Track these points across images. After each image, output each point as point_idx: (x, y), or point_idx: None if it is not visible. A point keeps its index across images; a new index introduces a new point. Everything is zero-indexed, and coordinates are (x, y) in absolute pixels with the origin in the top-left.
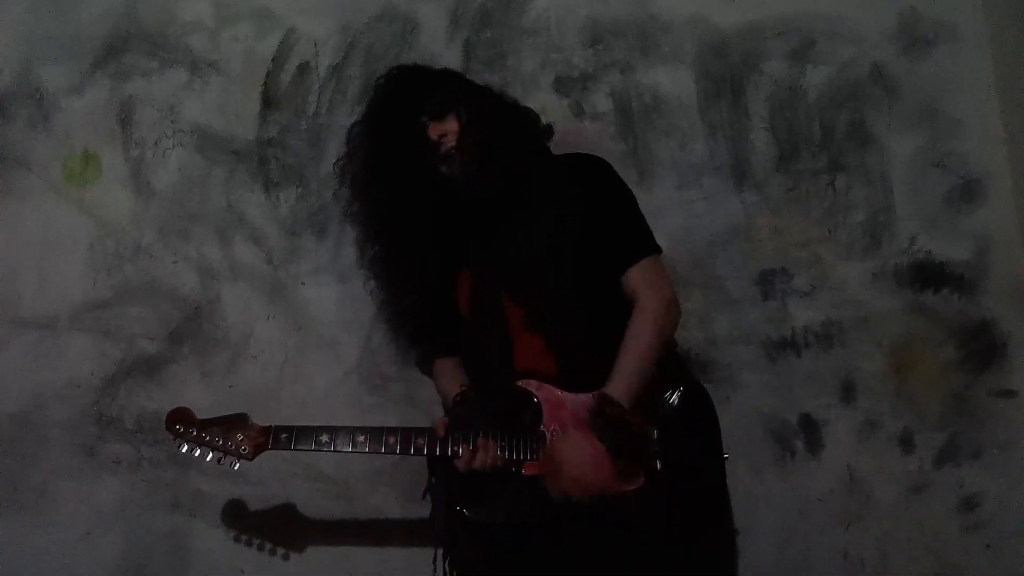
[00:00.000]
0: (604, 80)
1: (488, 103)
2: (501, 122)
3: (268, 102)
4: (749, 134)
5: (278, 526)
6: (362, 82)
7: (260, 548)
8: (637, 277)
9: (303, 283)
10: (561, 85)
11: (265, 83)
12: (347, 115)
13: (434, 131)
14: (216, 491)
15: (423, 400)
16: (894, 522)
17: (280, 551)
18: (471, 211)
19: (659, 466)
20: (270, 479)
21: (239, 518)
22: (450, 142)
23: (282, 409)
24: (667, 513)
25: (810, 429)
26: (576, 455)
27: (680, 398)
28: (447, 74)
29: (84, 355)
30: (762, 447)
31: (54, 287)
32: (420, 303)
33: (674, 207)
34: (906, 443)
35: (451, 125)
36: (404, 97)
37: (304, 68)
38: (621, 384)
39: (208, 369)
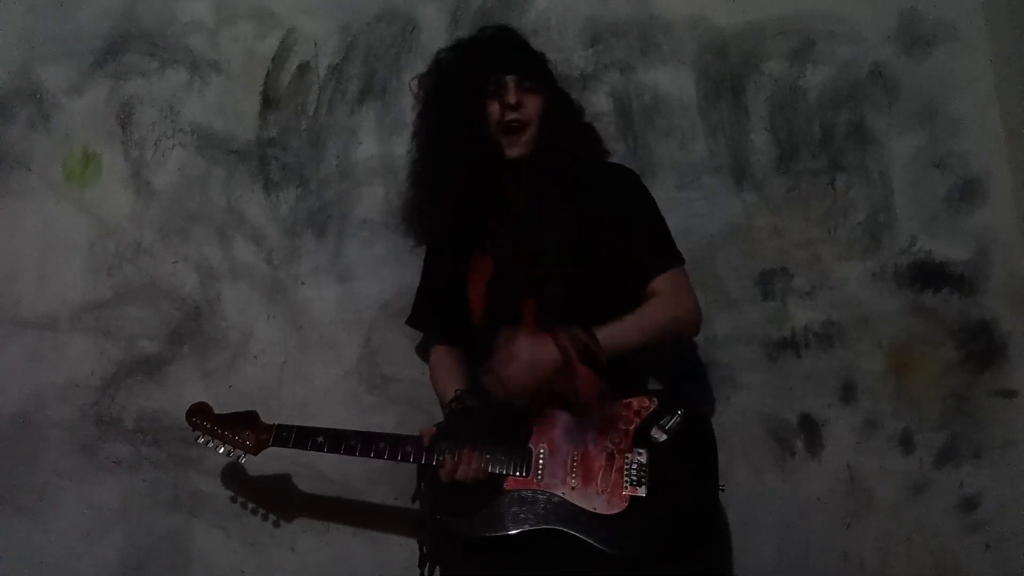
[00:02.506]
0: (604, 80)
1: (571, 104)
2: (578, 126)
3: (268, 102)
4: (749, 134)
5: (278, 526)
6: (362, 82)
7: (260, 548)
8: (660, 284)
9: (303, 283)
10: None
11: (265, 83)
12: (347, 115)
13: (513, 93)
14: (216, 491)
15: (423, 400)
16: (894, 522)
17: (280, 551)
18: (505, 198)
19: (644, 493)
20: (270, 479)
21: (239, 518)
22: (523, 114)
23: (282, 409)
24: (650, 536)
25: (810, 429)
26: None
27: (677, 423)
28: (544, 58)
29: (84, 355)
30: (762, 447)
31: (54, 287)
32: (425, 286)
33: (674, 207)
34: (906, 443)
35: (533, 99)
36: (502, 45)
37: (304, 68)
38: (608, 332)
39: (208, 369)
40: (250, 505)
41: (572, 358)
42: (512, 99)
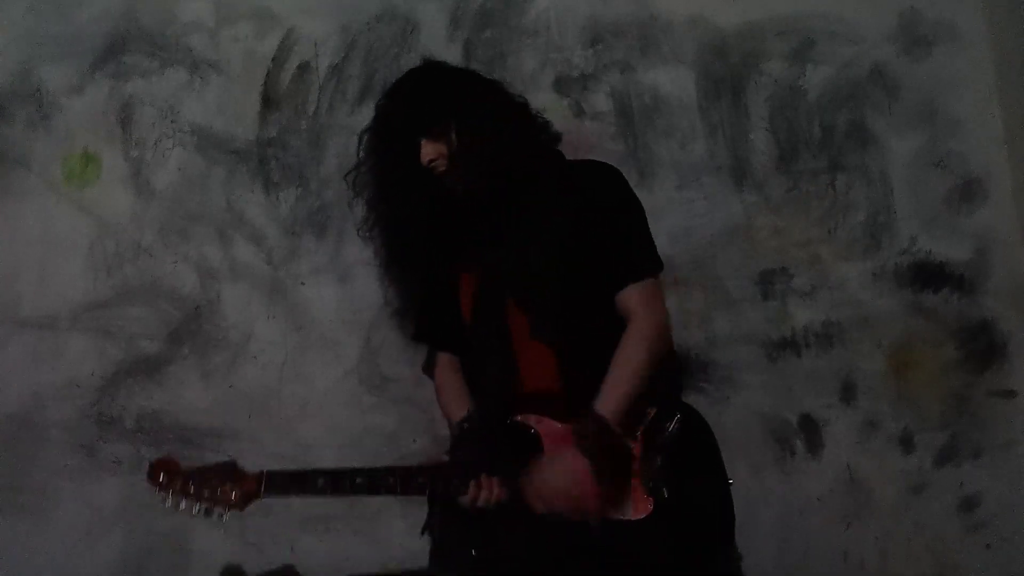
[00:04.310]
0: (604, 80)
1: (486, 114)
2: (497, 136)
3: (268, 102)
4: (749, 134)
5: (278, 526)
6: (362, 82)
7: (260, 548)
8: (632, 297)
9: (303, 283)
10: (561, 85)
11: (265, 83)
12: (347, 115)
13: (425, 153)
14: None
15: (423, 400)
16: (894, 522)
17: (280, 551)
18: (474, 215)
19: (666, 494)
20: None
21: (239, 517)
22: (441, 166)
23: (282, 409)
24: (673, 542)
25: (810, 429)
26: (558, 469)
27: (679, 426)
28: (450, 81)
29: (84, 355)
30: (762, 447)
31: (54, 287)
32: (422, 301)
33: (674, 207)
34: (906, 443)
35: (442, 148)
36: (401, 115)
37: (304, 68)
38: (609, 401)
39: (208, 369)
40: (250, 504)
41: (599, 459)
42: (425, 158)
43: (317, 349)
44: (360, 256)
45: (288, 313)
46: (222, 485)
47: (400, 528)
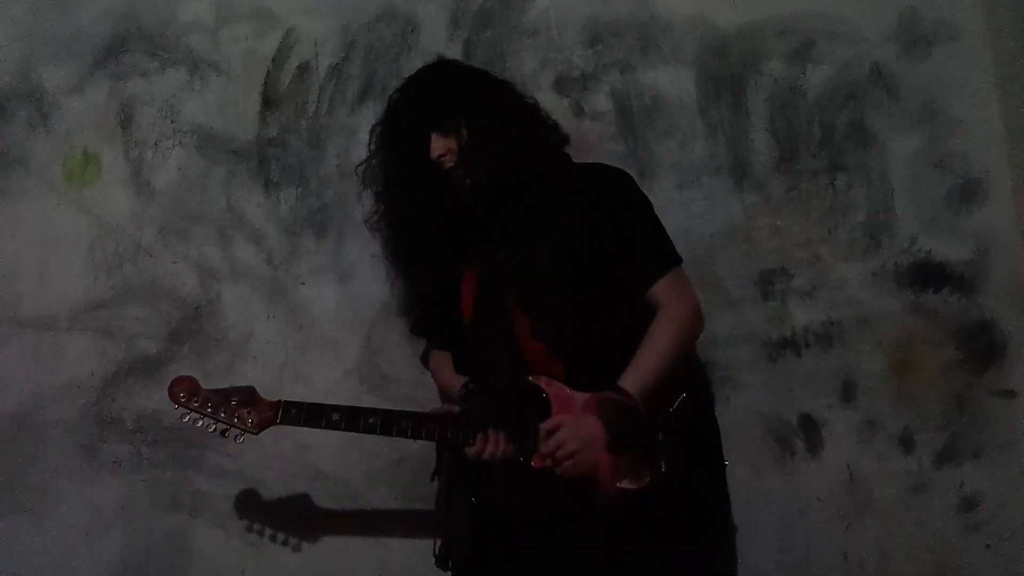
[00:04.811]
0: (604, 80)
1: (497, 112)
2: (507, 134)
3: (268, 102)
4: (749, 134)
5: (278, 526)
6: (362, 82)
7: (260, 548)
8: (663, 290)
9: (303, 283)
10: (561, 85)
11: (265, 83)
12: (347, 115)
13: (435, 148)
14: (216, 491)
15: (423, 400)
16: (894, 522)
17: (281, 551)
18: (480, 212)
19: (664, 468)
20: (270, 478)
21: (239, 518)
22: (449, 161)
23: None
24: (666, 516)
25: (810, 429)
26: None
27: (683, 404)
28: (463, 79)
29: (84, 355)
30: (762, 447)
31: (54, 287)
32: (424, 295)
33: (674, 207)
34: (906, 443)
35: (451, 143)
36: (413, 109)
37: (304, 68)
38: (636, 378)
39: (208, 369)
40: (250, 505)
41: (619, 432)
42: (435, 153)
43: (317, 349)
44: (360, 256)
45: (288, 313)
46: (240, 408)
47: (401, 527)
